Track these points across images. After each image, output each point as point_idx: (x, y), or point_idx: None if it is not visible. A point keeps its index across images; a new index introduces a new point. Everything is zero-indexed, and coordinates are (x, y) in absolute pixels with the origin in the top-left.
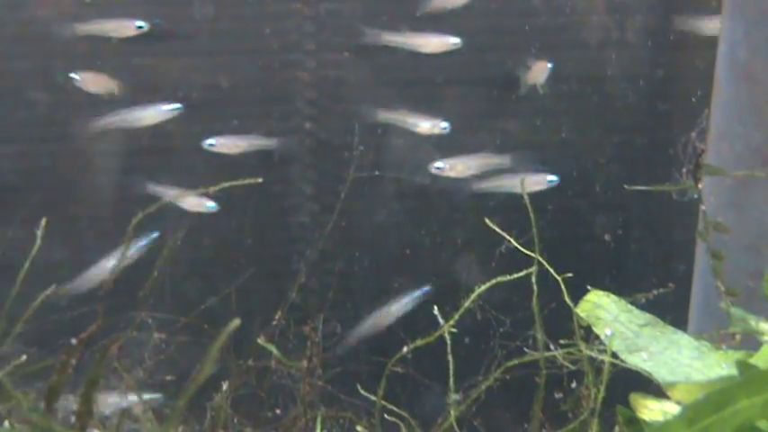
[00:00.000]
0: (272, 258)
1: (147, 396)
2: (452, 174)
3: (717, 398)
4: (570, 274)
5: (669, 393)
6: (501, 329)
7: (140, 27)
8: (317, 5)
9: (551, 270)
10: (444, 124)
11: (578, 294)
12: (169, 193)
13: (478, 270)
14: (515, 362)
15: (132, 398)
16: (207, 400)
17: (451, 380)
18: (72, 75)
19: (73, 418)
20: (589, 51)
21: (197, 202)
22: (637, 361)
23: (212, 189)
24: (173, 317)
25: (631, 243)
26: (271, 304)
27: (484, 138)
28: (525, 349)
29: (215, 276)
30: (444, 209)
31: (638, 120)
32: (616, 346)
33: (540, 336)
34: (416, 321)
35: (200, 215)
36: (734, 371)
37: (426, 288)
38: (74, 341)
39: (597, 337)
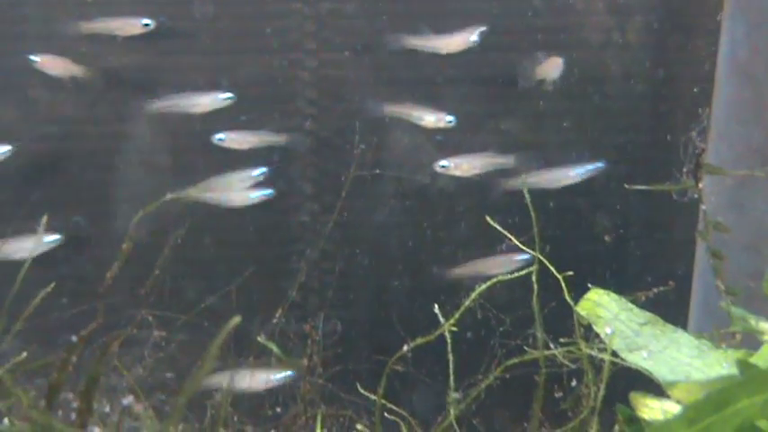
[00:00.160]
0: (272, 258)
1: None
2: (457, 173)
3: (717, 397)
4: (570, 273)
5: (669, 392)
6: (501, 328)
7: (147, 25)
8: (318, 5)
9: (552, 269)
10: (450, 118)
11: (579, 293)
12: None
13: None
14: (515, 360)
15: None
16: (207, 398)
17: (451, 378)
18: (31, 56)
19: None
20: (591, 51)
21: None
22: (637, 359)
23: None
24: (173, 315)
25: (631, 242)
26: (271, 303)
27: (485, 138)
28: (525, 348)
29: (215, 275)
30: (444, 208)
31: (638, 119)
32: (616, 344)
33: (539, 334)
34: (416, 321)
35: (200, 215)
36: (734, 370)
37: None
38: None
39: (597, 335)
